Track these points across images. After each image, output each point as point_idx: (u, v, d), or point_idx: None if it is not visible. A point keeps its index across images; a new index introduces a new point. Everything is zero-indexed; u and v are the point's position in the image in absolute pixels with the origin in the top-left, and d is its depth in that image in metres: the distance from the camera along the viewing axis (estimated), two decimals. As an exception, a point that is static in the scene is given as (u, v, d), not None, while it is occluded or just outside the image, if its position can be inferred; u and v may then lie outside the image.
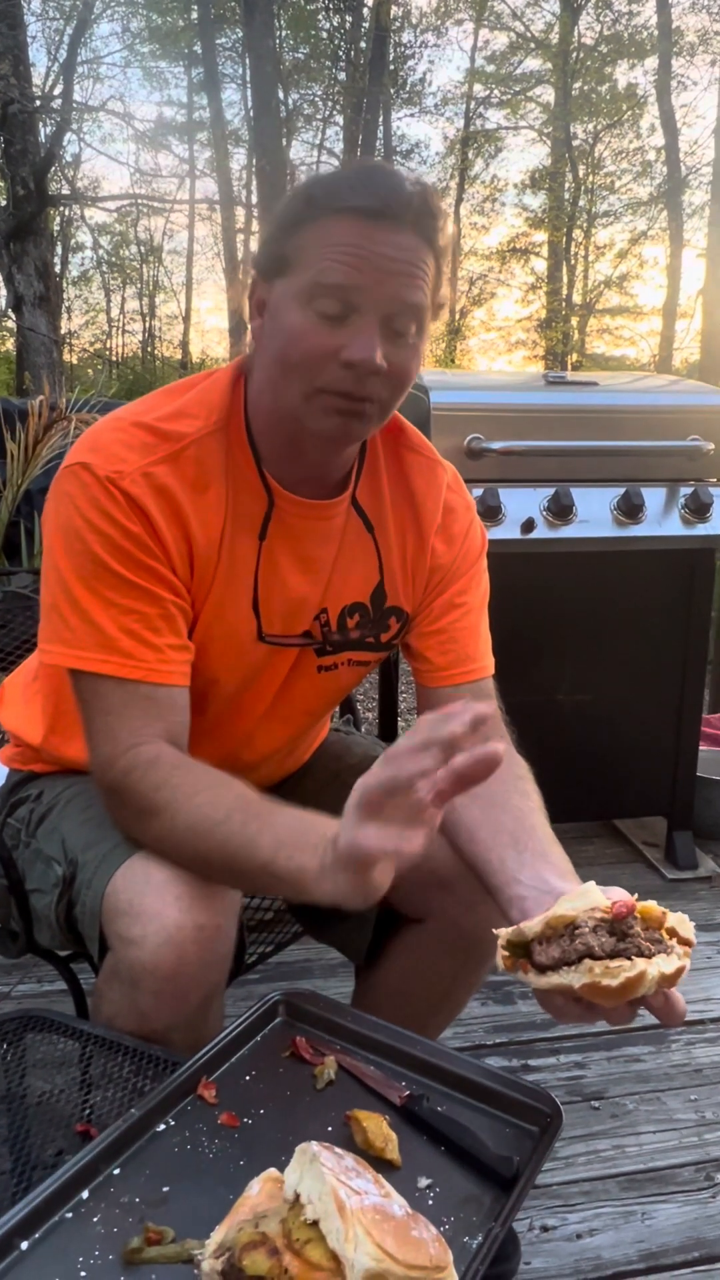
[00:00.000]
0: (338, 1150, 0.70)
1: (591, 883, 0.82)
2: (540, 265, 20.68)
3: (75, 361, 19.76)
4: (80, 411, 4.07)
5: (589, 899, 0.78)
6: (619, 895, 0.80)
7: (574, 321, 19.55)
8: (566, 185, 18.98)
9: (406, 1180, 0.77)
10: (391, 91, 18.27)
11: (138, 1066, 0.93)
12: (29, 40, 10.63)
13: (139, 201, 18.91)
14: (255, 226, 17.92)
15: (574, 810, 2.47)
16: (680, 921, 0.80)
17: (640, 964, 0.74)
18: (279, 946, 1.44)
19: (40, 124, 10.45)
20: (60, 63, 14.50)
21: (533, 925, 0.79)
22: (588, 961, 0.75)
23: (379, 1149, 0.79)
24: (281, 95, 15.82)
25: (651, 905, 0.79)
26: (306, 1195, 0.66)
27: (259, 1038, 0.93)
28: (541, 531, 2.14)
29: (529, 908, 0.91)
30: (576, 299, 20.02)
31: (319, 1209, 0.64)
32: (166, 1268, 0.68)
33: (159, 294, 23.05)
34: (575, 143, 18.38)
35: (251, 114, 13.33)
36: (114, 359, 21.50)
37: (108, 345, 22.51)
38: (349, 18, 17.30)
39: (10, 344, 14.01)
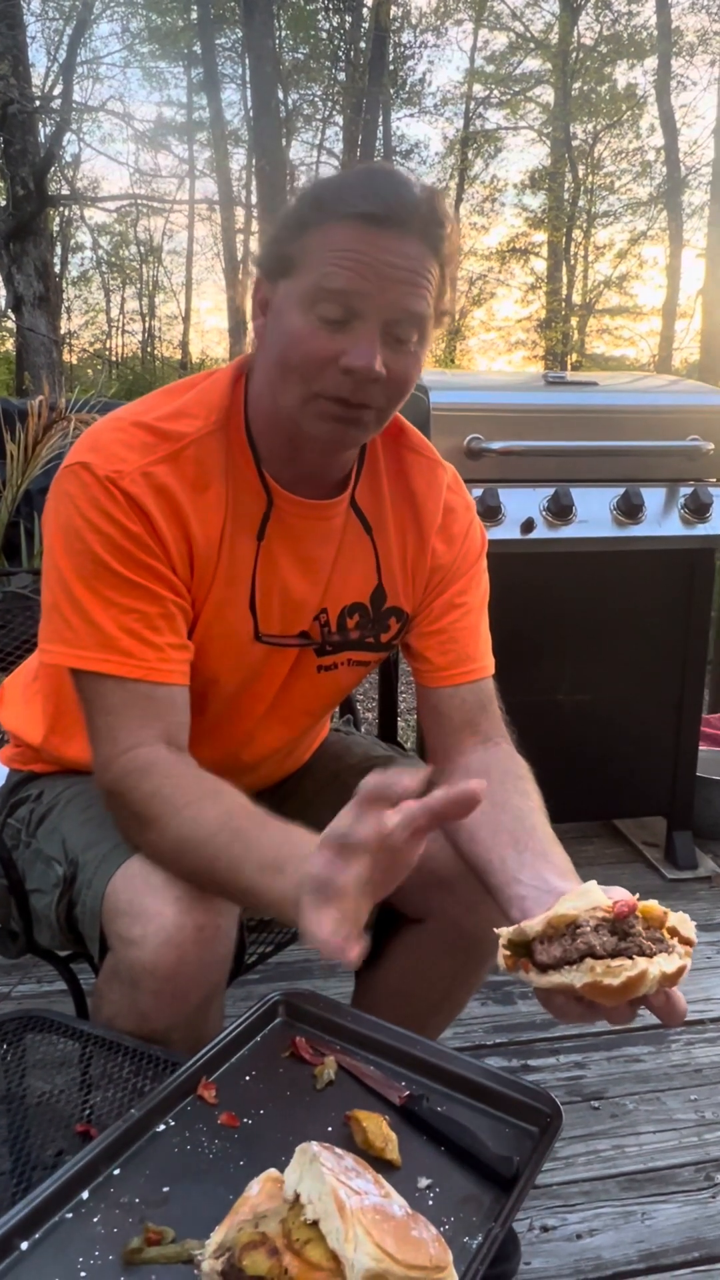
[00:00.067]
0: (338, 1150, 0.70)
1: (593, 882, 0.82)
2: (540, 265, 20.69)
3: (75, 362, 19.77)
4: (80, 412, 4.07)
5: (590, 898, 0.78)
6: (620, 895, 0.80)
7: (574, 321, 19.56)
8: (566, 185, 18.98)
9: (406, 1180, 0.77)
10: (391, 92, 18.28)
11: (138, 1067, 0.93)
12: (29, 40, 10.64)
13: (139, 202, 18.92)
14: (255, 227, 17.92)
15: (574, 810, 2.47)
16: (681, 921, 0.80)
17: (642, 963, 0.74)
18: (279, 946, 1.44)
19: (40, 124, 10.45)
20: (60, 63, 14.49)
21: (534, 924, 0.79)
22: (589, 961, 0.75)
23: (379, 1149, 0.79)
24: (281, 95, 15.83)
25: (653, 904, 0.79)
26: (306, 1195, 0.66)
27: (259, 1038, 0.93)
28: (541, 531, 2.14)
29: (529, 907, 0.91)
30: (576, 299, 20.03)
31: (319, 1209, 0.64)
32: (166, 1268, 0.68)
33: (159, 294, 23.07)
34: (575, 143, 18.38)
35: (251, 114, 13.34)
36: (114, 359, 21.51)
37: (107, 345, 22.53)
38: (349, 18, 17.30)
39: (10, 344, 14.01)
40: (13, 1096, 0.96)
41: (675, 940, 0.79)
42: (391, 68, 17.68)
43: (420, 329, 0.99)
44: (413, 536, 1.18)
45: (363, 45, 16.81)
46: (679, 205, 16.68)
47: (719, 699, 3.30)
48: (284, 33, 16.30)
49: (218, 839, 0.90)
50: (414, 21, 18.45)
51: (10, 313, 9.35)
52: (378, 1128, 0.80)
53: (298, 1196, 0.66)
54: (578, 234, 19.67)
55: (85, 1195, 0.73)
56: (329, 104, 19.30)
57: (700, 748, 2.49)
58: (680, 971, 0.76)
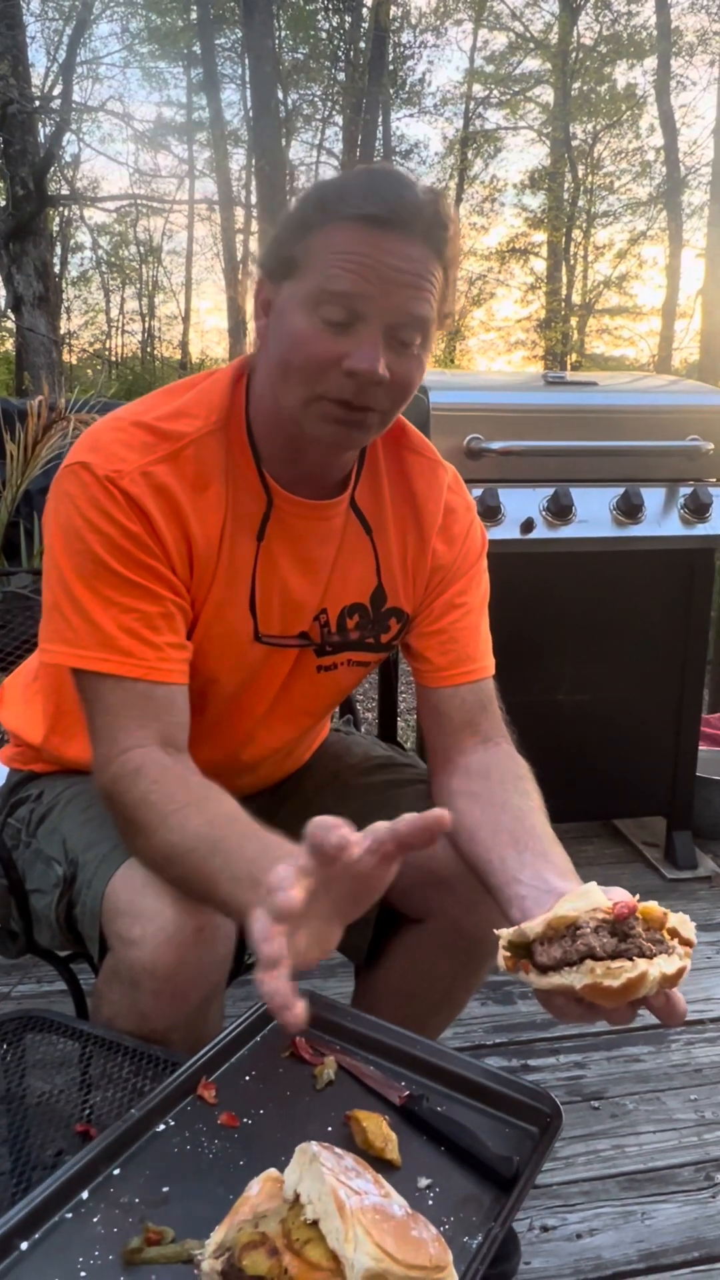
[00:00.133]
0: (337, 1150, 0.70)
1: (593, 883, 0.82)
2: (540, 265, 20.69)
3: (74, 362, 19.78)
4: (79, 412, 4.07)
5: (590, 899, 0.78)
6: (620, 896, 0.80)
7: (573, 322, 19.56)
8: (566, 185, 18.99)
9: (406, 1180, 0.77)
10: (391, 92, 18.28)
11: (137, 1067, 0.93)
12: (28, 40, 10.64)
13: (138, 202, 18.94)
14: (255, 227, 17.93)
15: (574, 810, 2.47)
16: (681, 922, 0.80)
17: (642, 965, 0.74)
18: (279, 947, 1.44)
19: (39, 124, 10.45)
20: (59, 63, 14.51)
21: (534, 925, 0.79)
22: (589, 962, 0.75)
23: (379, 1149, 0.79)
24: (281, 95, 15.84)
25: (653, 906, 0.79)
26: (306, 1195, 0.66)
27: (259, 1038, 0.93)
28: (541, 531, 2.14)
29: (529, 907, 0.91)
30: (576, 299, 20.03)
31: (319, 1209, 0.64)
32: (166, 1268, 0.68)
33: (158, 294, 23.08)
34: (574, 143, 18.39)
35: (251, 114, 13.35)
36: (113, 359, 21.51)
37: (107, 345, 22.53)
38: (348, 18, 17.31)
39: (9, 344, 14.01)
40: (12, 1096, 0.96)
41: (675, 941, 0.79)
42: (391, 68, 17.68)
43: (423, 332, 0.99)
44: (413, 537, 1.18)
45: (362, 45, 16.82)
46: (678, 205, 16.68)
47: (719, 699, 3.30)
48: (284, 33, 16.31)
49: (197, 851, 0.88)
50: (414, 21, 18.47)
51: (10, 313, 9.35)
52: (378, 1128, 0.80)
53: (297, 1196, 0.66)
54: (577, 234, 19.68)
55: (85, 1195, 0.73)
56: (329, 104, 19.32)
57: (700, 748, 2.49)
58: (680, 973, 0.76)
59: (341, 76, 17.88)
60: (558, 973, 0.77)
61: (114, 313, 22.98)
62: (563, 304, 19.58)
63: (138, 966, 0.94)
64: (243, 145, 18.06)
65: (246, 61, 13.36)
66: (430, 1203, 0.76)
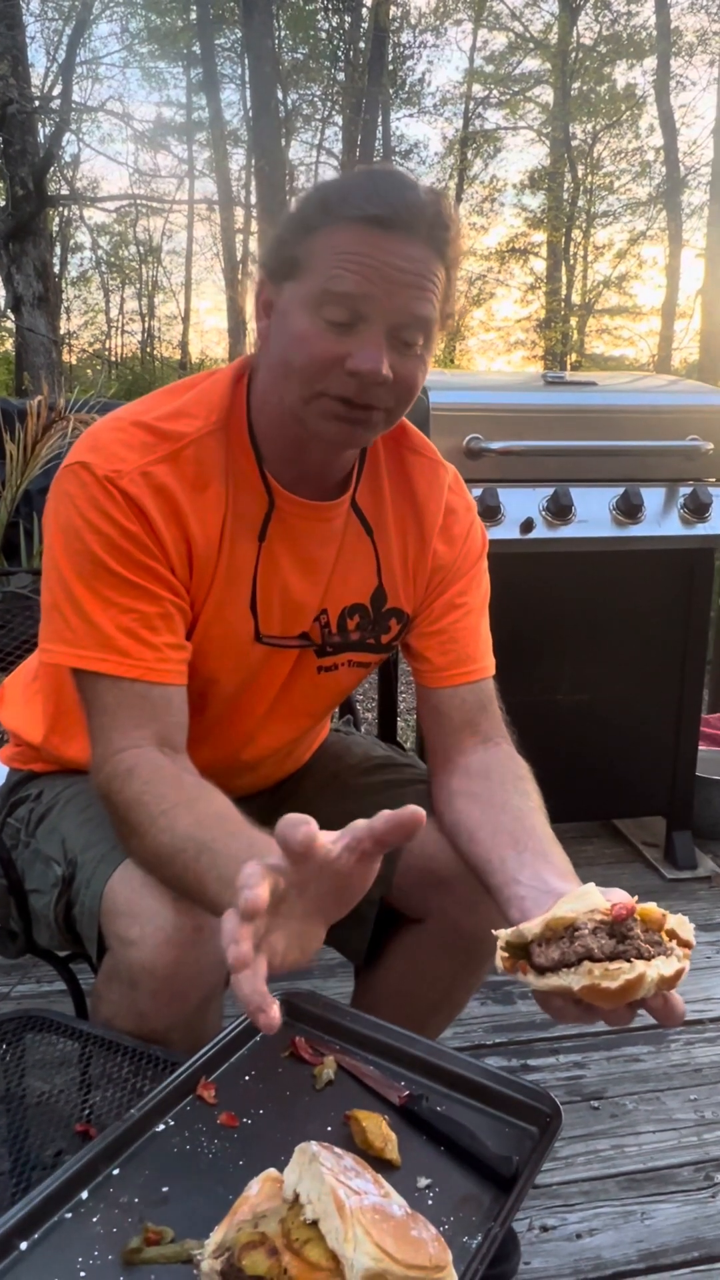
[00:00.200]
0: (337, 1150, 0.70)
1: (591, 884, 0.82)
2: (539, 265, 20.69)
3: (74, 362, 19.77)
4: (79, 412, 4.07)
5: (588, 900, 0.78)
6: (619, 897, 0.80)
7: (573, 322, 19.56)
8: (565, 185, 19.00)
9: (406, 1180, 0.77)
10: (390, 92, 18.29)
11: (137, 1067, 0.93)
12: (28, 40, 10.63)
13: (138, 202, 18.95)
14: (254, 227, 17.94)
15: (574, 810, 2.47)
16: (680, 923, 0.80)
17: (640, 966, 0.74)
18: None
19: (39, 124, 10.46)
20: (59, 63, 14.53)
21: (532, 927, 0.79)
22: (587, 963, 0.75)
23: (378, 1149, 0.79)
24: (280, 95, 15.84)
25: (651, 907, 0.78)
26: (306, 1195, 0.66)
27: (258, 1038, 0.92)
28: (541, 531, 2.14)
29: (528, 908, 0.91)
30: (575, 299, 20.04)
31: (318, 1209, 0.64)
32: (166, 1268, 0.68)
33: (158, 294, 23.08)
34: (574, 143, 18.39)
35: (250, 114, 13.34)
36: (113, 359, 21.51)
37: (107, 345, 22.54)
38: (348, 18, 17.31)
39: (9, 344, 14.01)
40: (12, 1096, 0.96)
41: (674, 943, 0.79)
42: (391, 68, 17.69)
43: (426, 332, 0.99)
44: (414, 537, 1.18)
45: (362, 45, 16.82)
46: (678, 205, 16.68)
47: (719, 699, 3.30)
48: (283, 33, 16.32)
49: (187, 851, 0.88)
50: (413, 21, 18.48)
51: (10, 313, 9.35)
52: (377, 1127, 0.80)
53: (297, 1196, 0.66)
54: (577, 234, 19.69)
55: (85, 1195, 0.73)
56: (328, 104, 19.33)
57: (700, 748, 2.49)
58: (678, 974, 0.76)
59: (341, 76, 17.89)
60: (555, 974, 0.77)
61: (114, 313, 23.01)
62: (562, 304, 19.59)
63: (136, 966, 0.94)
64: (242, 145, 18.08)
65: (246, 61, 13.37)
66: (430, 1202, 0.76)
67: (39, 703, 1.26)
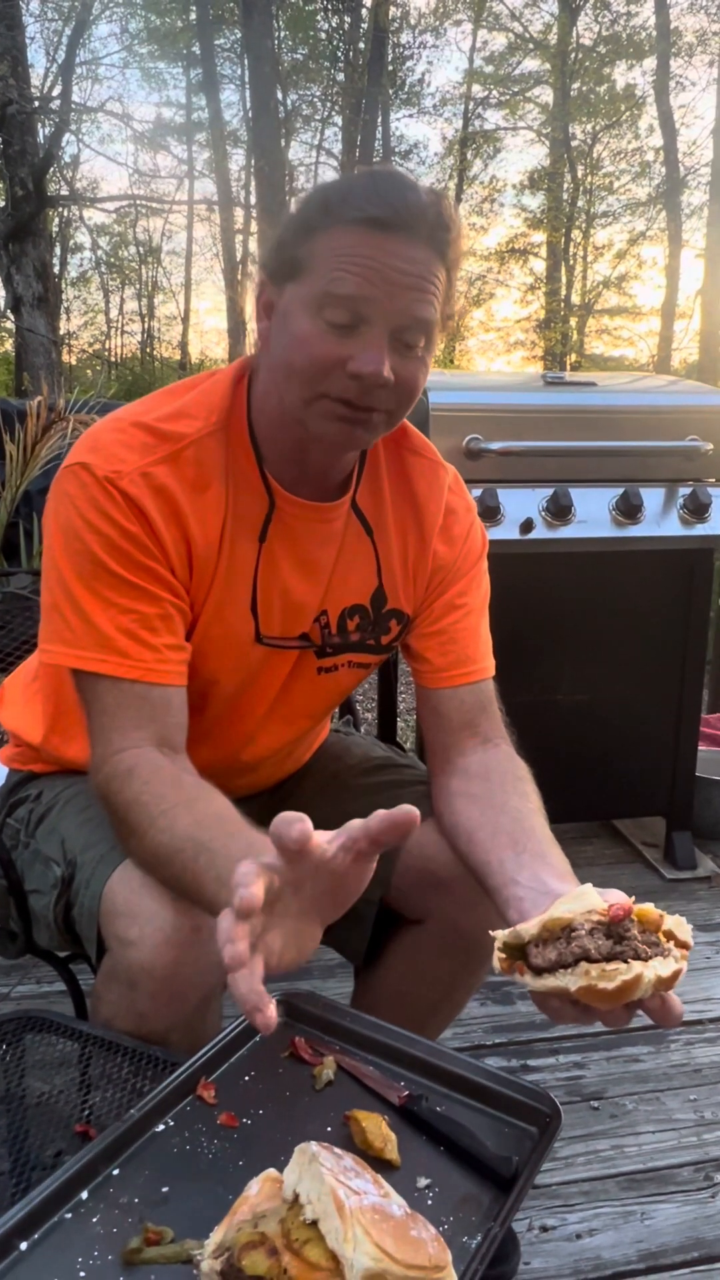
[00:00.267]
0: (337, 1150, 0.70)
1: (588, 885, 0.82)
2: (539, 266, 20.70)
3: (74, 362, 19.79)
4: (79, 412, 4.07)
5: (586, 901, 0.78)
6: (616, 897, 0.80)
7: (572, 322, 19.56)
8: (565, 186, 19.00)
9: (405, 1180, 0.77)
10: (390, 92, 18.29)
11: (137, 1067, 0.93)
12: (27, 41, 10.63)
13: (137, 202, 18.95)
14: (254, 227, 17.93)
15: (573, 810, 2.47)
16: (677, 924, 0.80)
17: (637, 967, 0.74)
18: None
19: (39, 125, 10.46)
20: (59, 64, 14.52)
21: (529, 927, 0.79)
22: (584, 964, 0.75)
23: (378, 1149, 0.79)
24: (280, 96, 15.84)
25: (649, 908, 0.78)
26: (305, 1195, 0.66)
27: (258, 1038, 0.92)
28: (540, 532, 2.14)
29: (526, 909, 0.91)
30: (575, 299, 20.04)
31: (318, 1209, 0.64)
32: (166, 1268, 0.68)
33: (158, 295, 23.09)
34: (574, 143, 18.39)
35: (250, 115, 13.34)
36: (113, 360, 21.52)
37: (106, 346, 22.54)
38: (347, 18, 17.31)
39: (9, 345, 14.02)
40: (12, 1097, 0.96)
41: (671, 944, 0.78)
42: (390, 68, 17.70)
43: (427, 334, 0.99)
44: (414, 538, 1.18)
45: (362, 46, 16.82)
46: (678, 205, 16.69)
47: (718, 699, 3.30)
48: (283, 33, 16.32)
49: (185, 851, 0.88)
50: (413, 22, 18.49)
51: (9, 313, 9.35)
52: (377, 1128, 0.80)
53: (297, 1196, 0.66)
54: (577, 234, 19.69)
55: (84, 1195, 0.73)
56: (328, 104, 19.33)
57: (700, 748, 2.49)
58: (676, 975, 0.76)
59: (341, 77, 17.89)
60: (552, 975, 0.77)
61: (113, 313, 23.02)
62: (562, 304, 19.59)
63: (135, 967, 0.94)
64: (242, 146, 18.08)
65: (246, 62, 13.37)
66: (429, 1203, 0.76)
67: (39, 703, 1.26)
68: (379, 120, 17.90)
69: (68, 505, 1.01)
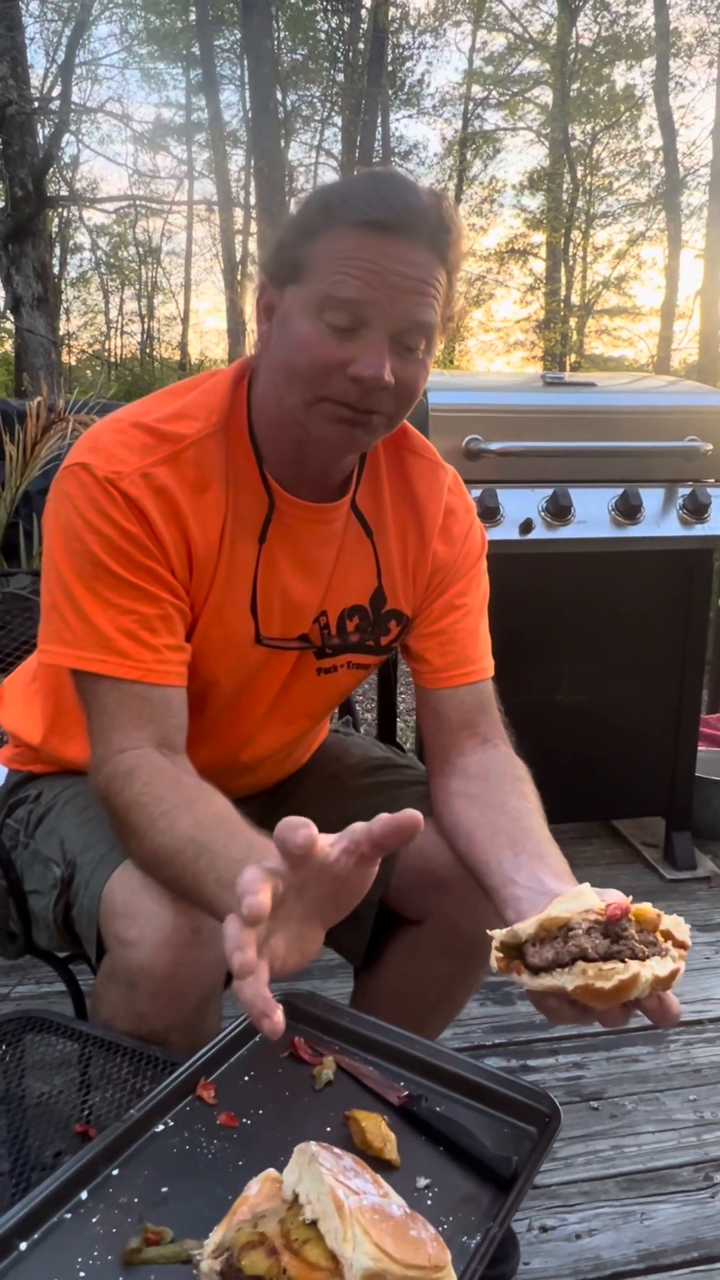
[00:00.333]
0: (336, 1150, 0.70)
1: (586, 884, 0.82)
2: (539, 266, 20.70)
3: (74, 363, 19.80)
4: (78, 413, 4.07)
5: (583, 900, 0.78)
6: (614, 897, 0.80)
7: (572, 322, 19.56)
8: (565, 186, 19.00)
9: (405, 1180, 0.77)
10: (390, 93, 18.31)
11: (136, 1067, 0.93)
12: (27, 42, 10.63)
13: (137, 203, 18.95)
14: (254, 228, 17.94)
15: (573, 811, 2.47)
16: (675, 924, 0.80)
17: (634, 966, 0.74)
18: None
19: (38, 125, 10.48)
20: (58, 64, 14.54)
21: (526, 927, 0.79)
22: (581, 963, 0.75)
23: (377, 1149, 0.79)
24: (280, 96, 15.84)
25: (646, 907, 0.78)
26: (305, 1195, 0.66)
27: (258, 1038, 0.92)
28: (540, 532, 2.14)
29: (525, 909, 0.91)
30: (575, 300, 20.04)
31: (317, 1209, 0.64)
32: (165, 1268, 0.68)
33: (157, 295, 23.10)
34: (573, 144, 18.40)
35: (250, 115, 13.33)
36: (112, 360, 21.52)
37: (106, 346, 22.55)
38: (347, 19, 17.32)
39: (9, 345, 14.02)
40: (12, 1097, 0.96)
41: (669, 943, 0.78)
42: (390, 69, 17.71)
43: (428, 337, 0.99)
44: (414, 539, 1.18)
45: (361, 46, 16.83)
46: (677, 206, 16.69)
47: (718, 699, 3.31)
48: (282, 34, 16.32)
49: (185, 853, 0.88)
50: (412, 23, 18.50)
51: (9, 314, 9.36)
52: (376, 1128, 0.80)
53: (296, 1196, 0.66)
54: (576, 235, 19.69)
55: (84, 1195, 0.73)
56: (327, 105, 19.35)
57: (699, 748, 2.49)
58: (673, 975, 0.76)
59: (340, 77, 17.90)
60: (549, 974, 0.77)
61: (113, 314, 23.03)
62: (561, 305, 19.59)
63: (135, 968, 0.94)
64: (241, 146, 18.09)
65: (245, 62, 13.37)
66: (429, 1203, 0.76)
67: (38, 704, 1.26)
68: (378, 121, 17.91)
69: (68, 505, 1.01)
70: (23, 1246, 0.69)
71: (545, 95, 19.07)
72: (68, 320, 21.14)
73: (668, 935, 0.79)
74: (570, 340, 19.15)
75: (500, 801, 1.07)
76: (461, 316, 20.33)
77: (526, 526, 2.12)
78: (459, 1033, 1.80)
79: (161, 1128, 0.81)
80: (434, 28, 18.73)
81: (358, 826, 0.73)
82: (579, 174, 19.01)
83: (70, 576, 1.00)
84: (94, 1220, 0.72)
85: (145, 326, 22.60)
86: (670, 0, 15.85)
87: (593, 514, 2.18)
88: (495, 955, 0.81)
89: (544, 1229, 1.38)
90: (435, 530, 1.18)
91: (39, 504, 3.53)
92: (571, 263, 20.05)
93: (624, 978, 0.73)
